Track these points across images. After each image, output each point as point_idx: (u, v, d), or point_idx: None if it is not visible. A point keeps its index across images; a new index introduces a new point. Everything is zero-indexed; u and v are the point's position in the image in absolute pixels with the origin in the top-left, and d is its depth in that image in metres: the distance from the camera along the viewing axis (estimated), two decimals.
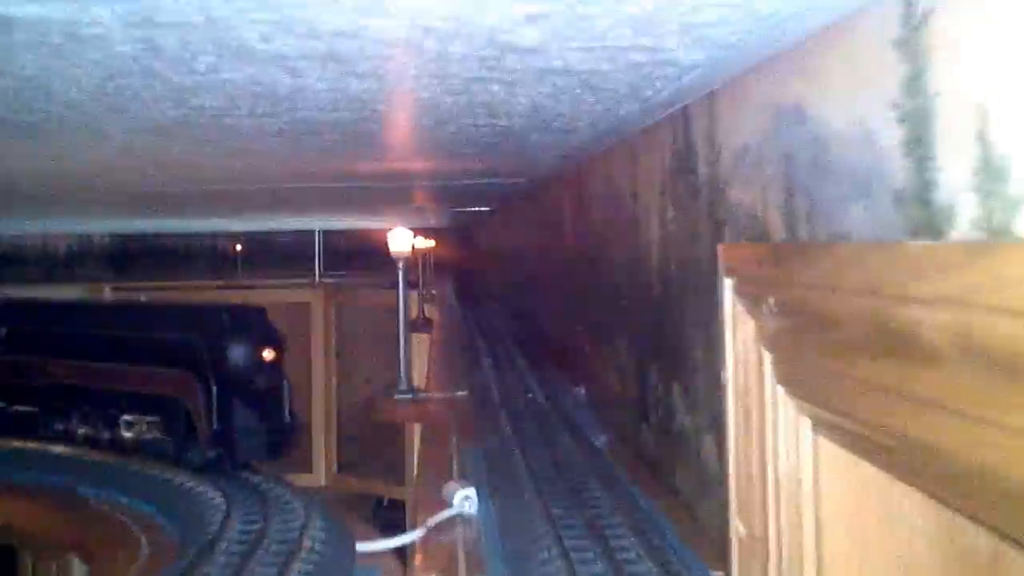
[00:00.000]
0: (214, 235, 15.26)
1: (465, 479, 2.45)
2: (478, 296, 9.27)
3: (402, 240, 4.12)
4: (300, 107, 2.25)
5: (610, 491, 2.45)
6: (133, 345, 5.63)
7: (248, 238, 15.28)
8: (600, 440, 3.07)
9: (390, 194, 5.86)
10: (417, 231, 10.22)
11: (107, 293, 14.47)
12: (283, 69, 1.78)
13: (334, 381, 13.80)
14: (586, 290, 3.83)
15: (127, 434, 5.53)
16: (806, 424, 1.40)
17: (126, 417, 5.53)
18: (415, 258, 8.77)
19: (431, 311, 8.72)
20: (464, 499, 2.34)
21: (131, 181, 4.57)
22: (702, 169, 2.10)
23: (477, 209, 8.18)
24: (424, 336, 6.94)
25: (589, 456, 2.84)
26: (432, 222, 12.20)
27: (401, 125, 2.71)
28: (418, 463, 3.35)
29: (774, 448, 1.49)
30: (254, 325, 5.03)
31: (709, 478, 2.11)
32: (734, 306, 1.62)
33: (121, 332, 5.86)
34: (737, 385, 1.64)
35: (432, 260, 12.08)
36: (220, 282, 14.82)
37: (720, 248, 1.71)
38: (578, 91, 2.11)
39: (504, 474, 2.69)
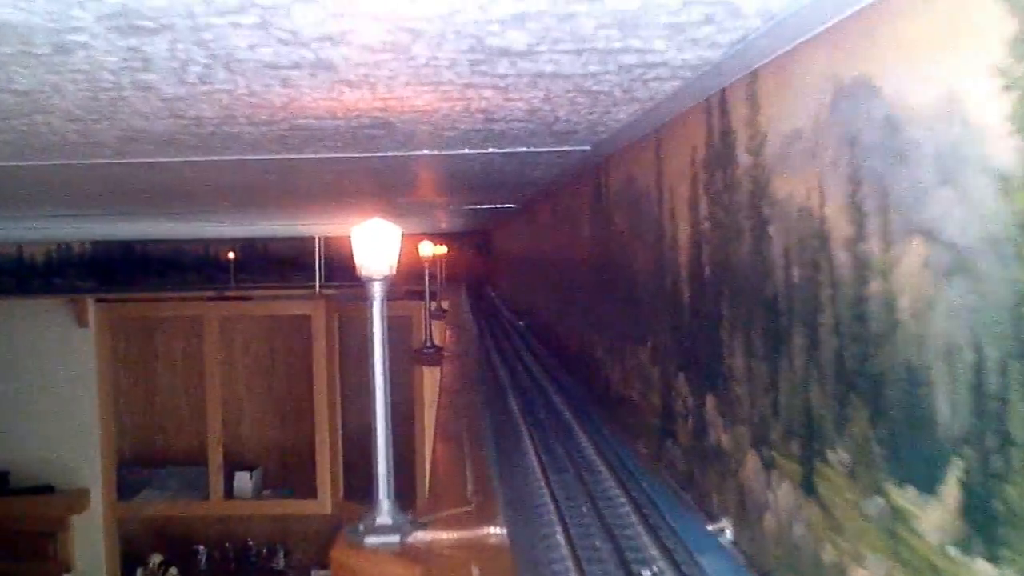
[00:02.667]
0: (206, 242, 13.28)
1: None
2: (498, 314, 7.18)
3: (379, 244, 1.90)
4: None
5: None
6: None
7: (243, 245, 13.33)
8: None
9: (391, 176, 3.82)
10: (425, 236, 8.20)
11: (90, 304, 12.55)
12: None
13: (338, 401, 11.90)
14: (731, 335, 1.74)
15: None
16: None
17: None
18: (424, 267, 6.72)
19: (441, 332, 6.66)
20: None
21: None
22: None
23: (498, 206, 6.11)
24: (431, 369, 4.91)
25: None
26: (444, 225, 10.14)
27: None
28: None
29: None
30: None
31: None
32: None
33: None
34: None
35: (443, 269, 10.04)
36: (212, 292, 12.88)
37: None
38: None
39: None
